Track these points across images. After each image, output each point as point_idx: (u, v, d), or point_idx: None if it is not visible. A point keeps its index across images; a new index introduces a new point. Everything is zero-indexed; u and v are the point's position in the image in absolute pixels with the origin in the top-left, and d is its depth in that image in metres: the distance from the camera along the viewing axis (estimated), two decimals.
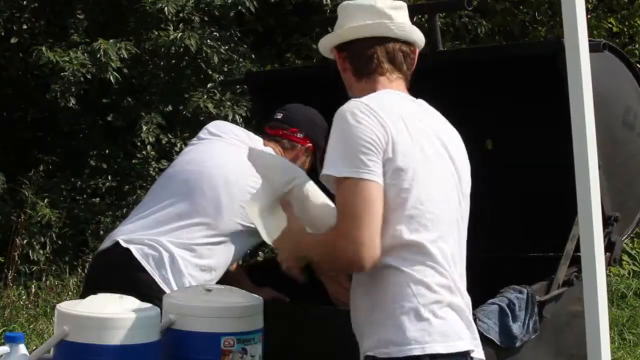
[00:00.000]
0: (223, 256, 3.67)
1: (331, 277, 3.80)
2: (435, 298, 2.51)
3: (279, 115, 3.97)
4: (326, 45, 2.73)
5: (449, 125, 2.90)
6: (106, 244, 3.71)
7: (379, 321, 2.50)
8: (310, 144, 3.92)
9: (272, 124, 3.97)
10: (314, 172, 3.72)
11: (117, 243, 3.62)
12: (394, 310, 2.47)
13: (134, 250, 3.56)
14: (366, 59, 2.66)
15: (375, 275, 2.48)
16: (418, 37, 2.81)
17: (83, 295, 3.78)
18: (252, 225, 3.56)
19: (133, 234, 3.63)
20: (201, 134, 3.95)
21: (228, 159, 3.73)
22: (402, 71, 2.73)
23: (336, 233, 2.43)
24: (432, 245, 2.55)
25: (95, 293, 3.38)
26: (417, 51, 2.83)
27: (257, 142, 3.86)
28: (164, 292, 3.36)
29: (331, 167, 2.45)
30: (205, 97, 8.63)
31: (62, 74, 8.14)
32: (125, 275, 3.52)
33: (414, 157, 2.52)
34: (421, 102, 2.80)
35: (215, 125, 3.99)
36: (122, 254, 3.57)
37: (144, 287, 3.40)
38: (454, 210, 2.72)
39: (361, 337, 2.58)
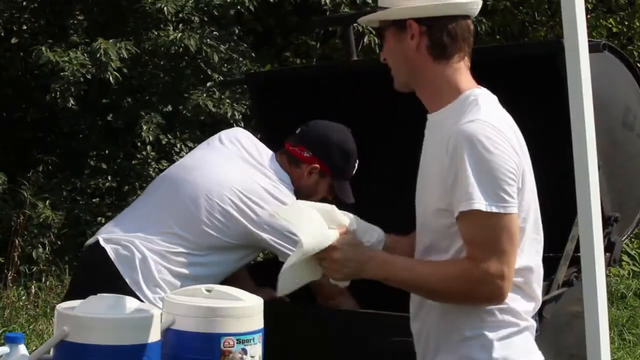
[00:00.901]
0: (204, 268, 3.61)
1: (325, 290, 3.66)
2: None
3: (298, 130, 3.93)
4: (404, 13, 2.44)
5: None
6: (90, 240, 3.76)
7: (462, 339, 2.46)
8: (317, 165, 3.81)
9: (289, 137, 3.93)
10: (335, 198, 3.76)
11: (98, 241, 3.65)
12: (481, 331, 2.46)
13: (109, 249, 3.59)
14: (451, 38, 2.46)
15: None
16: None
17: (68, 292, 3.88)
18: (234, 242, 3.60)
19: (113, 233, 3.65)
20: (211, 139, 3.92)
21: (220, 171, 3.67)
22: (469, 54, 2.56)
23: (480, 269, 2.32)
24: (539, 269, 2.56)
25: (77, 290, 3.46)
26: None
27: (265, 156, 3.80)
28: (135, 294, 3.41)
29: (475, 202, 2.31)
30: (204, 95, 8.63)
31: (62, 74, 8.14)
32: (100, 274, 3.58)
33: (528, 180, 2.49)
34: None
35: (228, 134, 3.92)
36: (99, 253, 3.61)
37: (115, 288, 3.35)
38: None
39: (432, 350, 2.56)
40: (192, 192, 3.62)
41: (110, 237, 3.65)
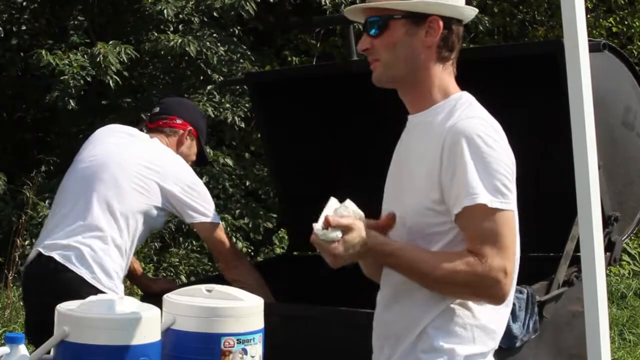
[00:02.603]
0: (132, 231, 3.89)
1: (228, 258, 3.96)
2: None
3: (157, 109, 4.25)
4: (431, 8, 2.35)
5: None
6: (31, 255, 3.94)
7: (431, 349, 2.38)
8: (190, 127, 4.17)
9: (151, 119, 4.24)
10: (200, 156, 4.21)
11: (40, 253, 3.84)
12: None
13: (56, 256, 3.78)
14: (457, 41, 2.44)
15: None
16: None
17: (27, 312, 4.08)
18: (156, 204, 3.91)
19: (49, 241, 3.84)
20: (90, 138, 4.16)
21: (120, 150, 3.97)
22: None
23: (484, 264, 2.26)
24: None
25: (32, 305, 3.64)
26: None
27: (141, 136, 4.11)
28: (93, 286, 3.71)
29: (479, 196, 2.25)
30: (205, 99, 8.64)
31: (62, 77, 8.15)
32: (55, 281, 3.76)
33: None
34: None
35: (103, 130, 4.21)
36: (45, 263, 3.80)
37: (73, 285, 3.68)
38: None
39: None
40: (107, 170, 3.88)
41: (50, 243, 3.84)
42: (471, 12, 2.44)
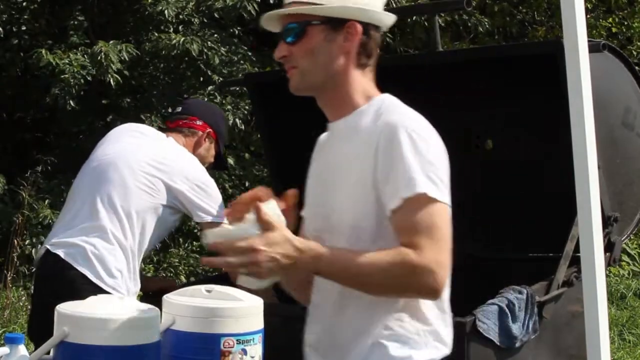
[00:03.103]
0: (143, 232, 3.89)
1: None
2: None
3: (179, 109, 4.26)
4: (348, 13, 2.31)
5: None
6: (40, 251, 3.97)
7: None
8: (210, 130, 4.16)
9: (172, 118, 4.25)
10: (218, 159, 4.22)
11: (47, 250, 3.87)
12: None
13: (61, 253, 3.81)
14: (376, 47, 2.40)
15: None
16: None
17: (33, 307, 4.14)
18: (163, 203, 3.91)
19: (58, 238, 3.87)
20: (104, 139, 4.18)
21: (130, 149, 3.98)
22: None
23: (420, 256, 2.17)
24: None
25: (43, 304, 3.66)
26: None
27: (154, 135, 4.11)
28: (95, 284, 3.73)
29: (419, 186, 2.18)
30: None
31: (62, 76, 8.15)
32: (60, 278, 3.80)
33: None
34: None
35: (119, 129, 4.23)
36: (53, 261, 3.82)
37: (75, 283, 3.71)
38: None
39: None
40: (118, 171, 3.90)
41: (57, 241, 3.86)
42: (389, 19, 2.40)
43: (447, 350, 2.34)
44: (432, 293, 2.22)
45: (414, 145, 2.22)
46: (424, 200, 2.19)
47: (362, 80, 2.38)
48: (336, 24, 2.31)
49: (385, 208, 2.23)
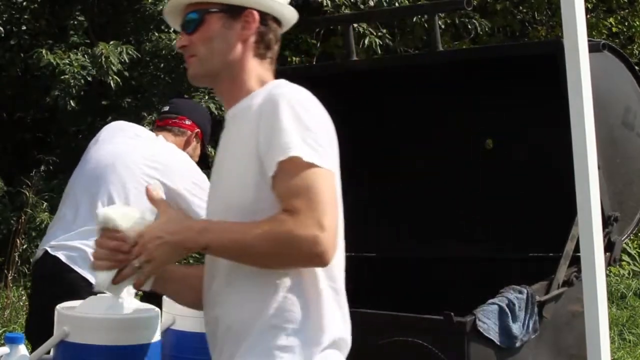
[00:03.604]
0: None
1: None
2: None
3: (167, 108, 4.30)
4: (249, 1, 2.31)
5: None
6: (38, 253, 3.96)
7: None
8: (198, 130, 4.22)
9: (161, 116, 4.29)
10: (203, 158, 4.25)
11: (47, 252, 3.87)
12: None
13: (62, 256, 3.82)
14: (275, 40, 2.38)
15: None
16: None
17: (30, 307, 4.08)
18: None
19: (57, 241, 3.88)
20: (97, 138, 4.17)
21: (127, 149, 4.00)
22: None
23: (300, 221, 2.08)
24: None
25: (42, 305, 3.64)
26: None
27: (147, 135, 4.14)
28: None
29: (294, 149, 2.12)
30: (207, 97, 8.64)
31: (62, 77, 8.15)
32: (60, 280, 3.79)
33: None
34: None
35: (112, 126, 4.24)
36: (52, 263, 3.83)
37: (75, 285, 3.69)
38: None
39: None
40: (117, 173, 3.90)
41: (57, 244, 3.86)
42: (292, 14, 2.39)
43: (337, 334, 2.27)
44: (316, 258, 2.13)
45: (293, 113, 2.16)
46: (300, 163, 2.12)
47: (258, 69, 2.36)
48: (234, 11, 2.31)
49: (268, 178, 2.17)
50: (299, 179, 2.13)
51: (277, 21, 2.37)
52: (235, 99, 2.35)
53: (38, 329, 3.48)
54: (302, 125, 2.16)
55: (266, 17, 2.33)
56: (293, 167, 2.13)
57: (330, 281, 2.26)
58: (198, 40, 2.32)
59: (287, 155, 2.12)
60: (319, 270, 2.21)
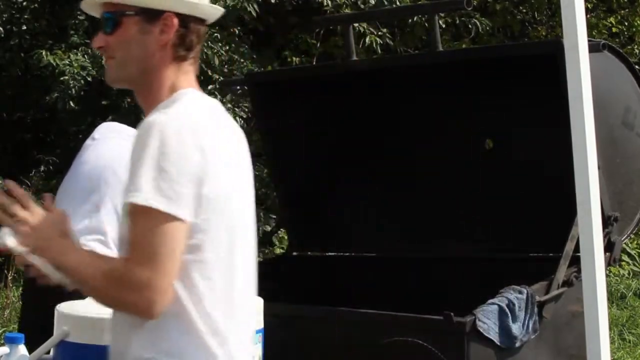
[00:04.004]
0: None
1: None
2: None
3: None
4: (164, 4, 2.20)
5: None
6: None
7: None
8: None
9: None
10: None
11: None
12: None
13: None
14: (196, 40, 2.25)
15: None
16: None
17: (23, 306, 4.07)
18: None
19: None
20: (94, 135, 4.15)
21: (119, 150, 3.92)
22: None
23: (128, 270, 2.01)
24: None
25: (32, 309, 3.61)
26: None
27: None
28: None
29: (137, 194, 2.02)
30: None
31: (62, 78, 8.14)
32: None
33: (230, 200, 2.15)
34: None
35: (103, 127, 4.20)
36: None
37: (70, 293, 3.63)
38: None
39: None
40: (117, 174, 3.84)
41: None
42: (214, 11, 2.28)
43: None
44: (142, 313, 2.04)
45: (158, 149, 2.04)
46: (145, 211, 2.02)
47: (175, 75, 2.24)
48: (151, 15, 2.19)
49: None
50: (139, 228, 2.03)
51: (199, 19, 2.24)
52: (149, 108, 2.26)
53: (30, 327, 3.49)
54: (159, 167, 2.03)
55: (186, 19, 2.20)
56: (138, 213, 2.03)
57: (205, 318, 2.10)
58: (115, 43, 2.22)
59: (133, 200, 2.02)
60: (190, 309, 2.08)
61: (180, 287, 2.06)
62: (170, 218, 2.02)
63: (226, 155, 2.15)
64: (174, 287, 2.04)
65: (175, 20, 2.18)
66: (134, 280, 2.00)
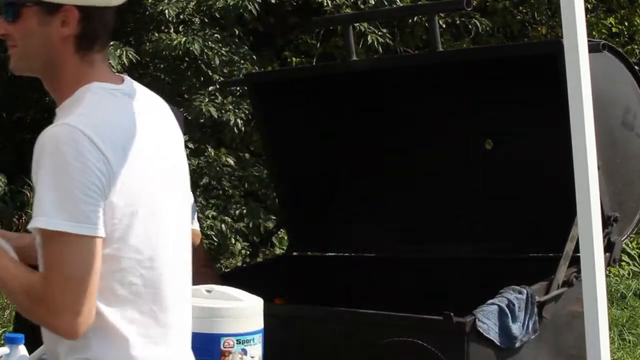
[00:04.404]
0: None
1: None
2: None
3: None
4: None
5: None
6: None
7: None
8: None
9: None
10: None
11: None
12: None
13: None
14: (96, 31, 2.14)
15: None
16: None
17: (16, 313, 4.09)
18: None
19: None
20: None
21: None
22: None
23: (44, 290, 1.98)
24: None
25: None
26: None
27: None
28: None
29: (41, 218, 1.97)
30: (207, 100, 8.64)
31: None
32: None
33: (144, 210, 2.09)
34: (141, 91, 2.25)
35: None
36: None
37: None
38: None
39: None
40: None
41: None
42: None
43: None
44: (64, 335, 2.02)
45: (55, 166, 1.98)
46: (49, 234, 1.97)
47: (79, 68, 2.15)
48: (51, 7, 2.11)
49: None
50: (53, 252, 1.99)
51: (102, 7, 2.15)
52: (58, 100, 2.20)
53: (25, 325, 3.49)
54: (60, 185, 1.97)
55: (88, 10, 2.12)
56: (48, 237, 1.99)
57: (130, 324, 2.07)
58: (17, 33, 2.15)
59: (41, 226, 1.98)
60: (113, 319, 2.06)
61: (101, 299, 2.03)
62: (82, 238, 1.97)
63: (139, 148, 2.08)
64: (95, 305, 2.01)
65: (76, 13, 2.11)
66: (54, 304, 1.98)
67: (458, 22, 10.02)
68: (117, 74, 2.24)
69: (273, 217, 8.60)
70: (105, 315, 2.04)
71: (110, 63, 8.11)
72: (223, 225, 8.44)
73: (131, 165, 2.05)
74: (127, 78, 2.24)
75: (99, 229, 1.99)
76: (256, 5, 8.66)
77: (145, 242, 2.07)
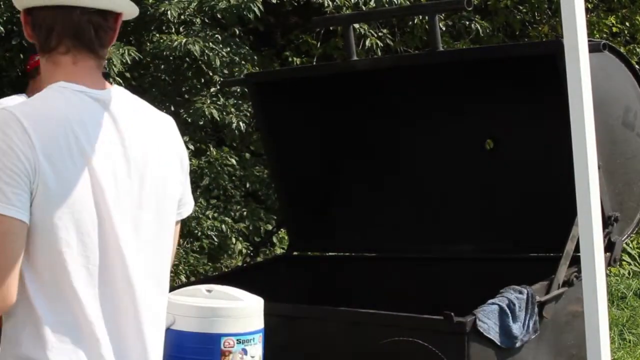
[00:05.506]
0: None
1: None
2: None
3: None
4: (17, 3, 2.22)
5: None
6: None
7: None
8: None
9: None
10: None
11: None
12: None
13: None
14: (46, 32, 2.19)
15: None
16: (116, 3, 2.36)
17: None
18: None
19: None
20: None
21: None
22: (92, 50, 2.25)
23: None
24: None
25: None
26: (120, 19, 2.43)
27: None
28: None
29: None
30: (208, 101, 8.64)
31: None
32: None
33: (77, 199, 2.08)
34: (117, 94, 2.30)
35: None
36: None
37: None
38: None
39: None
40: None
41: None
42: None
43: None
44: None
45: None
46: None
47: (44, 67, 2.23)
48: (24, 14, 2.22)
49: None
50: None
51: (48, 7, 2.19)
52: None
53: None
54: None
55: (32, 11, 2.20)
56: None
57: (56, 315, 2.07)
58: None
59: None
60: (40, 314, 2.06)
61: (32, 292, 2.04)
62: (3, 219, 1.98)
63: (90, 150, 2.10)
64: (16, 291, 2.01)
65: (26, 15, 2.20)
66: None
67: (458, 24, 10.02)
68: (106, 81, 2.29)
69: (274, 218, 8.60)
70: (35, 308, 2.05)
71: (113, 62, 8.11)
72: (224, 226, 8.44)
73: (72, 164, 2.06)
74: (115, 87, 2.28)
75: (19, 212, 2.00)
76: (260, 6, 8.66)
77: (77, 236, 2.06)
